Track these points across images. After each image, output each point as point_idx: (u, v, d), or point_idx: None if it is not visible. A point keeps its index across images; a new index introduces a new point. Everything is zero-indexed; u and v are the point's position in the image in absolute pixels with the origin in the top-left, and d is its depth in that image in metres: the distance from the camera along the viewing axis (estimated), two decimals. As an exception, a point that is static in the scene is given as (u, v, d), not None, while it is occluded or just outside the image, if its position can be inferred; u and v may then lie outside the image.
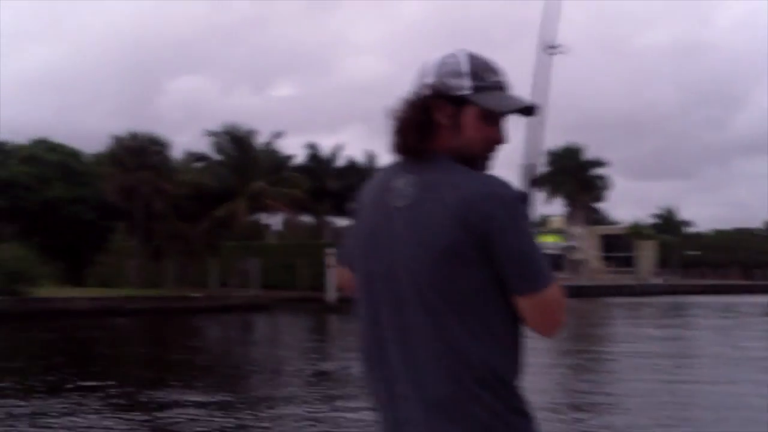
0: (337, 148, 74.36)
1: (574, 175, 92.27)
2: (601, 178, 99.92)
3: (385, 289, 2.19)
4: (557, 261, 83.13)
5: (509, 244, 2.04)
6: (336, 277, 2.63)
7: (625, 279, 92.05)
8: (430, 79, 2.21)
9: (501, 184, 2.10)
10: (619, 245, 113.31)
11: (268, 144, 59.33)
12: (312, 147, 73.53)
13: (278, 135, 59.69)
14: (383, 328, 2.19)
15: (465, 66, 2.19)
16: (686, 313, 45.50)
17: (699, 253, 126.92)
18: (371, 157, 75.62)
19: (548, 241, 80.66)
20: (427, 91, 2.20)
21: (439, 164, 2.16)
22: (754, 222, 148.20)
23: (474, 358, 2.07)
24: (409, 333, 2.13)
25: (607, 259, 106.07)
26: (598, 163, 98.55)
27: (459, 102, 2.18)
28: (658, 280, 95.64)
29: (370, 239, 2.25)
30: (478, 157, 2.22)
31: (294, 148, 75.16)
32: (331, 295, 45.13)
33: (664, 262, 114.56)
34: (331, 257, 45.06)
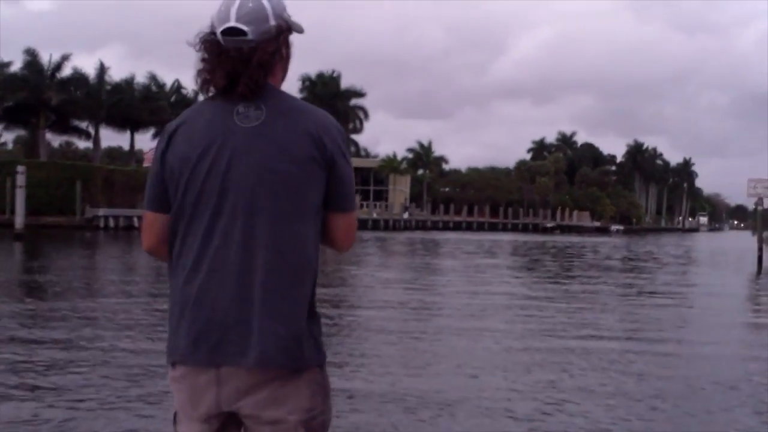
0: (64, 57, 66.31)
1: (328, 103, 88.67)
2: (359, 108, 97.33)
3: (225, 203, 2.34)
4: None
5: (345, 169, 2.41)
6: (147, 225, 2.53)
7: (374, 213, 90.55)
8: (248, 20, 2.35)
9: (333, 118, 2.47)
10: (374, 179, 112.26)
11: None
12: (30, 53, 65.03)
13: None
14: (225, 237, 2.34)
15: (280, 3, 2.43)
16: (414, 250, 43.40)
17: (450, 189, 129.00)
18: (101, 70, 68.43)
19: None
20: (282, 29, 2.41)
21: (273, 92, 2.40)
22: (508, 162, 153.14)
23: (313, 260, 2.40)
24: (256, 238, 2.33)
25: (359, 192, 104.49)
26: (355, 93, 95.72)
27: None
28: (405, 215, 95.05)
29: (202, 161, 2.35)
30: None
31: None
32: (19, 220, 39.06)
33: (419, 198, 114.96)
34: (21, 177, 38.99)
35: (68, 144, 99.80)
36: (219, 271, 2.34)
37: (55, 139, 79.55)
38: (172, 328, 2.42)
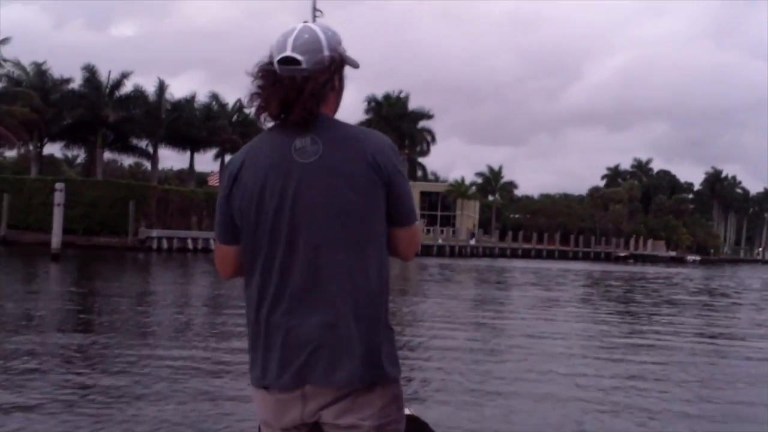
0: (123, 75, 64.85)
1: (394, 125, 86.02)
2: (426, 131, 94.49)
3: (297, 237, 2.47)
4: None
5: (402, 185, 2.53)
6: (221, 257, 2.70)
7: (439, 239, 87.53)
8: (304, 50, 2.49)
9: (386, 137, 2.60)
10: (441, 204, 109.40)
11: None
12: (89, 70, 63.72)
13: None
14: (301, 269, 2.48)
15: (335, 37, 2.57)
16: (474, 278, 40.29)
17: (520, 216, 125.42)
18: (160, 88, 66.89)
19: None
20: (335, 60, 2.52)
21: (326, 122, 2.52)
22: (581, 190, 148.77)
23: (386, 280, 2.56)
24: (332, 267, 2.47)
25: (425, 217, 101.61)
26: (422, 115, 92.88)
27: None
28: (471, 242, 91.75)
29: (270, 200, 2.48)
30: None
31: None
32: (56, 240, 37.07)
33: (488, 224, 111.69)
34: (59, 195, 37.08)
35: (137, 165, 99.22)
36: (300, 300, 2.49)
37: (118, 159, 78.28)
38: (256, 356, 2.56)
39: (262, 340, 2.53)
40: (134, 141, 69.39)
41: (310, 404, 2.50)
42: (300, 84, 2.44)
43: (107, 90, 63.96)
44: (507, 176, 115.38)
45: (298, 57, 2.46)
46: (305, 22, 2.58)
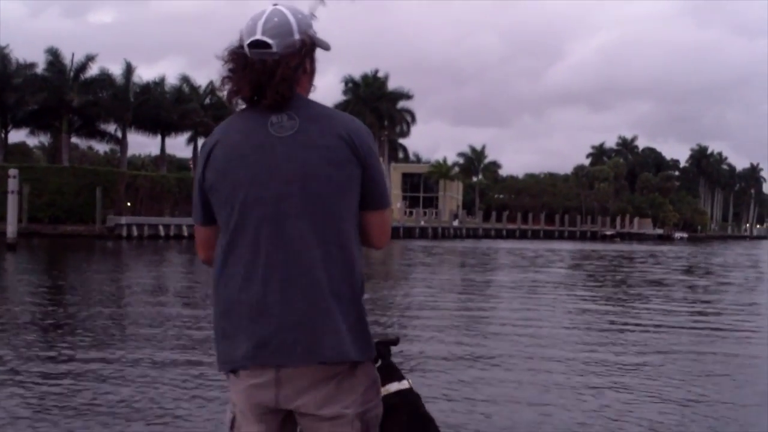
0: (89, 58, 62.49)
1: (372, 106, 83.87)
2: (406, 111, 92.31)
3: (272, 211, 2.41)
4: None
5: (377, 167, 2.50)
6: (202, 240, 2.66)
7: (421, 221, 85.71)
8: (272, 33, 2.43)
9: (358, 120, 2.56)
10: (423, 185, 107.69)
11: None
12: (52, 53, 61.32)
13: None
14: (276, 243, 2.41)
15: (305, 20, 2.51)
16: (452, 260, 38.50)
17: (504, 196, 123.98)
18: (127, 70, 64.61)
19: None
20: (305, 43, 2.47)
21: (301, 101, 2.49)
22: (566, 170, 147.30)
23: (360, 256, 2.52)
24: (308, 240, 2.40)
25: (407, 199, 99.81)
26: (401, 95, 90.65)
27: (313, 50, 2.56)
28: (455, 223, 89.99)
29: (243, 173, 2.43)
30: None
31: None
32: (11, 229, 34.98)
33: (472, 205, 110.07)
34: (13, 182, 34.94)
35: (113, 151, 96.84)
36: (275, 277, 2.40)
37: (90, 145, 75.99)
38: (225, 337, 2.47)
39: (233, 320, 2.44)
40: (102, 126, 66.92)
41: (285, 388, 2.41)
42: (271, 68, 2.40)
43: (71, 73, 61.62)
44: (491, 157, 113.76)
45: (269, 41, 2.41)
46: (275, 4, 2.51)
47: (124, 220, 53.69)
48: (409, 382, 3.27)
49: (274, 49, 2.41)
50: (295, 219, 2.40)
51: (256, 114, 2.45)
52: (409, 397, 3.24)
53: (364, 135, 2.49)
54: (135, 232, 53.42)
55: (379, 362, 3.11)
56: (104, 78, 63.24)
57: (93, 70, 63.24)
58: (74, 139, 68.76)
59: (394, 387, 3.18)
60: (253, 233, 2.41)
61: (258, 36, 2.41)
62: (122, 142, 68.79)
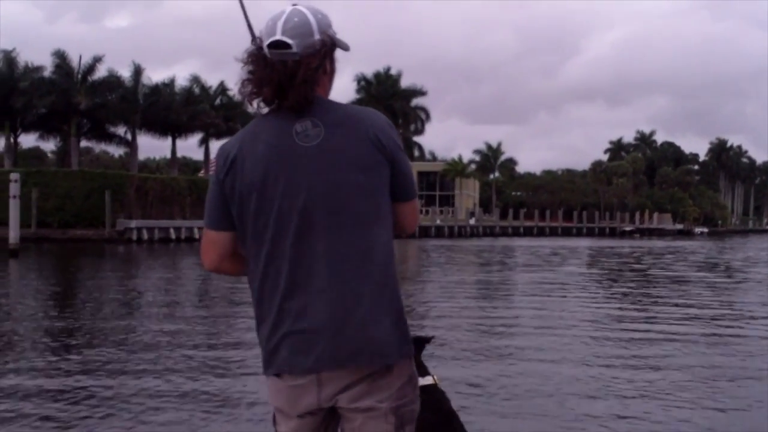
0: (96, 59, 61.65)
1: (385, 104, 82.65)
2: (420, 109, 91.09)
3: (306, 221, 2.40)
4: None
5: (404, 161, 2.52)
6: (209, 244, 2.61)
7: (437, 220, 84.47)
8: (292, 34, 2.41)
9: (382, 114, 2.55)
10: (439, 183, 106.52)
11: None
12: (59, 56, 60.50)
13: None
14: (314, 252, 2.41)
15: (325, 20, 2.48)
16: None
17: (522, 193, 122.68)
18: (136, 72, 63.67)
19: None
20: (325, 44, 2.44)
21: (323, 104, 2.46)
22: (583, 165, 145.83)
23: (394, 256, 2.52)
24: (343, 248, 2.41)
25: (423, 197, 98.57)
26: (415, 92, 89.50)
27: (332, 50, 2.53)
28: (471, 221, 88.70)
29: (274, 186, 2.41)
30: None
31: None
32: (13, 235, 34.00)
33: (489, 203, 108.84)
34: (14, 186, 33.96)
35: (127, 154, 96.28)
36: (315, 285, 2.42)
37: (103, 148, 75.27)
38: (269, 343, 2.49)
39: (275, 328, 2.46)
40: (111, 128, 66.09)
41: (326, 389, 2.45)
42: (292, 69, 2.38)
43: (79, 76, 60.80)
44: (508, 154, 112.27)
45: (289, 41, 2.39)
46: (294, 4, 2.48)
47: (134, 223, 52.75)
48: (434, 378, 3.29)
49: (295, 50, 2.38)
50: (331, 228, 2.39)
51: (279, 120, 2.42)
52: (434, 393, 3.25)
53: (388, 130, 2.48)
54: (145, 236, 52.46)
55: None
56: (112, 80, 62.42)
57: (101, 72, 62.47)
58: (86, 143, 68.09)
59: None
60: (291, 242, 2.41)
61: (278, 36, 2.39)
62: (132, 145, 67.98)
